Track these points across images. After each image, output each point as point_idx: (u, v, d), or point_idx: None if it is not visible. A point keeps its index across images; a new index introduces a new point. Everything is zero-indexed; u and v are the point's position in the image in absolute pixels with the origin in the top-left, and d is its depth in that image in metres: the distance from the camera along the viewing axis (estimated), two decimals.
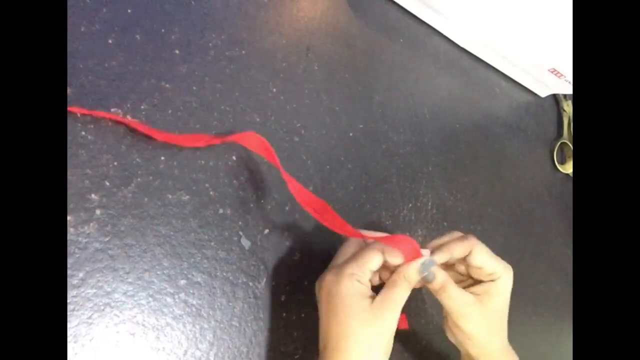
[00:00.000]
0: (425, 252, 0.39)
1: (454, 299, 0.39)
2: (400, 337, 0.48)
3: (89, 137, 0.35)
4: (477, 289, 0.40)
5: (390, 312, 0.36)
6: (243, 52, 0.45)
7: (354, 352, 0.34)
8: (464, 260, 0.40)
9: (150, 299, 0.35)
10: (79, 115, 0.35)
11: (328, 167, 0.48)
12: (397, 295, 0.37)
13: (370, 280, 0.38)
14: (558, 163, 0.77)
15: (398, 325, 0.38)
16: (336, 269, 0.37)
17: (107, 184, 0.35)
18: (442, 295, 0.39)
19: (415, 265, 0.38)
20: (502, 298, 0.40)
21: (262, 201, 0.42)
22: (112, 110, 0.37)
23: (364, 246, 0.39)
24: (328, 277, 0.37)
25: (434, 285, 0.39)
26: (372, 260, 0.37)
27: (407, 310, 0.48)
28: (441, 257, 0.39)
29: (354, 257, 0.38)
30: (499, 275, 0.40)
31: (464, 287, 0.40)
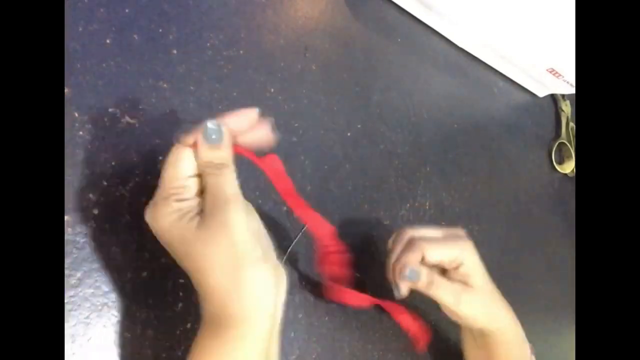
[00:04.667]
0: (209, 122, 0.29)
1: (445, 292, 0.39)
2: (401, 336, 0.48)
3: (87, 136, 0.35)
4: (453, 276, 0.40)
5: (223, 214, 0.27)
6: (241, 52, 0.45)
7: (216, 282, 0.27)
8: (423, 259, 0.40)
9: (148, 298, 0.35)
10: (76, 115, 0.35)
11: (326, 167, 0.48)
12: (215, 189, 0.29)
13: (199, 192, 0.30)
14: (556, 163, 0.77)
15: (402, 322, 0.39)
16: (153, 198, 0.30)
17: (105, 183, 0.35)
18: (433, 291, 0.39)
19: (200, 139, 0.29)
20: (478, 274, 0.40)
21: (260, 201, 0.42)
22: (110, 110, 0.37)
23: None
24: (147, 214, 0.29)
25: (421, 284, 0.38)
26: (180, 164, 0.29)
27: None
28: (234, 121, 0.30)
29: (162, 173, 0.30)
30: (460, 260, 0.40)
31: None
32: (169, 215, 0.28)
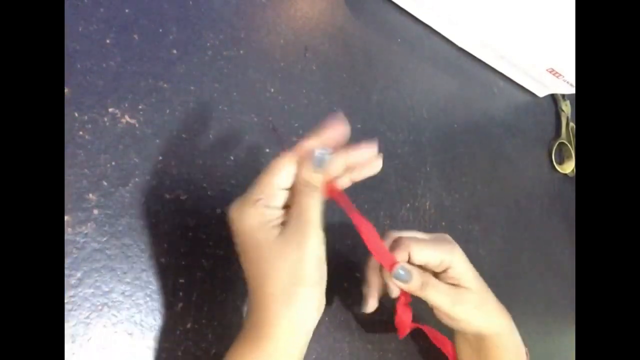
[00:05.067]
0: (322, 148, 0.31)
1: (440, 293, 0.37)
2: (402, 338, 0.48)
3: (87, 137, 0.35)
4: (443, 279, 0.39)
5: (302, 233, 0.29)
6: (241, 52, 0.45)
7: (273, 291, 0.29)
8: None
9: (148, 298, 0.35)
10: (76, 115, 0.35)
11: None
12: (304, 208, 0.30)
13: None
14: (556, 163, 0.77)
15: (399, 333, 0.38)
16: (242, 196, 0.31)
17: (105, 183, 0.35)
18: (427, 292, 0.37)
19: (307, 162, 0.31)
20: (470, 276, 0.39)
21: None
22: (110, 110, 0.37)
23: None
24: (232, 210, 0.31)
25: (413, 286, 0.36)
26: (279, 175, 0.31)
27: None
28: (340, 157, 0.32)
29: (259, 177, 0.31)
30: (448, 263, 0.38)
31: None
32: (253, 217, 0.30)
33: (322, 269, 0.30)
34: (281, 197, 0.31)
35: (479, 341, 0.41)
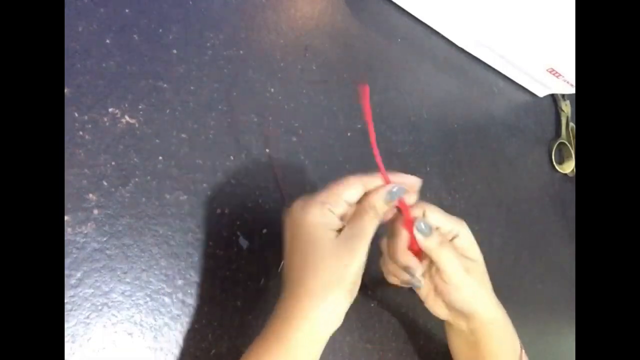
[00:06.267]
0: (395, 183, 0.35)
1: (453, 257, 0.37)
2: (401, 336, 0.48)
3: (87, 137, 0.35)
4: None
5: (356, 243, 0.33)
6: (241, 52, 0.45)
7: (314, 285, 0.31)
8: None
9: (147, 298, 0.35)
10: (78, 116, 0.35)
11: (326, 167, 0.48)
12: (364, 225, 0.33)
13: (345, 216, 0.35)
14: (556, 163, 0.77)
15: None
16: (307, 196, 0.34)
17: (105, 183, 0.35)
18: (442, 251, 0.37)
19: (382, 192, 0.35)
20: (476, 249, 0.39)
21: (260, 201, 0.42)
22: (110, 110, 0.37)
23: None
24: (296, 205, 0.34)
25: (432, 241, 0.37)
26: (349, 190, 0.34)
27: (406, 310, 0.48)
28: (412, 194, 0.36)
29: (329, 185, 0.35)
30: (456, 232, 0.38)
31: None
32: (316, 216, 0.33)
33: (358, 280, 0.33)
34: (343, 208, 0.34)
35: (474, 333, 0.40)
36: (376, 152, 0.35)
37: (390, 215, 0.38)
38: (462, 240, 0.39)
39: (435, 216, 0.38)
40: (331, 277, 0.31)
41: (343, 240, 0.33)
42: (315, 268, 0.32)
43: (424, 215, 0.38)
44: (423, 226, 0.37)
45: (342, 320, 0.33)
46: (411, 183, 0.36)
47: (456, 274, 0.37)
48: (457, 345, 0.43)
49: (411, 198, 0.37)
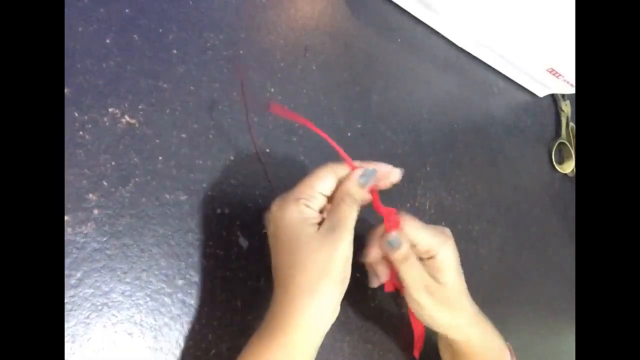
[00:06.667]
0: (371, 169, 0.36)
1: (415, 272, 0.37)
2: (401, 337, 0.48)
3: (87, 137, 0.35)
4: (425, 266, 0.38)
5: (338, 234, 0.32)
6: (241, 52, 0.45)
7: (303, 282, 0.31)
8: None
9: (147, 298, 0.35)
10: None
11: None
12: (342, 214, 0.33)
13: (324, 210, 0.35)
14: (556, 163, 0.77)
15: (385, 287, 0.38)
16: (284, 195, 0.34)
17: (105, 183, 0.35)
18: (404, 266, 0.37)
19: (355, 176, 0.35)
20: (451, 272, 0.38)
21: (260, 201, 0.42)
22: (110, 110, 0.37)
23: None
24: (274, 205, 0.34)
25: (398, 254, 0.37)
26: (322, 181, 0.34)
27: (406, 310, 0.48)
28: (385, 180, 0.37)
29: (302, 180, 0.35)
30: (435, 251, 0.38)
31: None
32: (294, 213, 0.33)
33: (347, 270, 0.33)
34: (320, 201, 0.34)
35: (453, 345, 0.41)
36: (333, 143, 0.35)
37: (368, 200, 0.37)
38: (437, 261, 0.38)
39: (413, 230, 0.38)
40: (318, 271, 0.31)
41: (324, 233, 0.33)
42: (302, 265, 0.32)
43: (402, 228, 0.37)
44: (392, 239, 0.37)
45: (337, 313, 0.33)
46: (385, 170, 0.36)
47: (416, 292, 0.37)
48: (443, 352, 0.44)
49: (385, 183, 0.37)
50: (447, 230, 0.41)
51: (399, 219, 0.37)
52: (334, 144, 0.35)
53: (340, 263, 0.32)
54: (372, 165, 0.36)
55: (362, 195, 0.35)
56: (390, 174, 0.37)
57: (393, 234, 0.37)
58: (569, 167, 0.78)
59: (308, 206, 0.33)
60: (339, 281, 0.32)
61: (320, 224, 0.34)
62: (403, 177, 0.55)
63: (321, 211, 0.35)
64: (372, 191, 0.36)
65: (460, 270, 0.40)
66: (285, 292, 0.32)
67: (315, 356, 0.33)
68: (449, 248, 0.38)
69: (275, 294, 0.33)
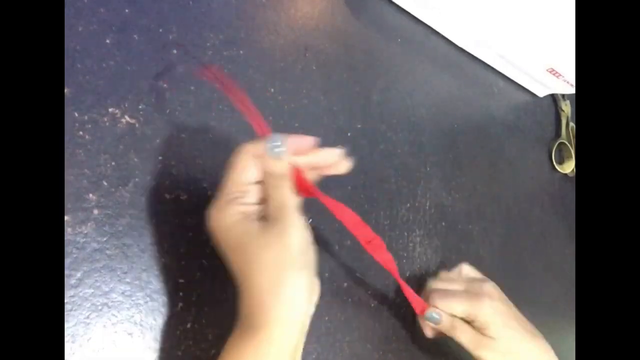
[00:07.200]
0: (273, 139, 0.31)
1: (466, 336, 0.42)
2: (401, 336, 0.48)
3: (87, 137, 0.35)
4: (473, 325, 0.43)
5: (281, 219, 0.30)
6: (241, 52, 0.45)
7: (261, 281, 0.29)
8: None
9: (148, 298, 0.35)
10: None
11: None
12: (278, 200, 0.31)
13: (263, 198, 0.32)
14: (556, 163, 0.77)
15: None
16: (214, 201, 0.31)
17: (105, 183, 0.35)
18: (456, 334, 0.42)
19: (265, 151, 0.31)
20: (495, 327, 0.42)
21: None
22: (110, 110, 0.37)
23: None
24: (209, 214, 0.31)
25: (443, 327, 0.42)
26: (245, 172, 0.31)
27: (406, 310, 0.48)
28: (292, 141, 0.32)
29: (225, 176, 0.32)
30: (473, 316, 0.42)
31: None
32: (231, 216, 0.30)
33: (308, 254, 0.30)
34: (254, 192, 0.32)
35: None
36: (249, 108, 0.32)
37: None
38: (479, 321, 0.43)
39: (445, 306, 0.43)
40: (275, 267, 0.29)
41: (268, 226, 0.30)
42: (255, 265, 0.29)
43: (435, 305, 0.43)
44: (432, 316, 0.42)
45: (314, 299, 0.31)
46: (302, 141, 0.33)
47: (474, 351, 0.42)
48: None
49: (330, 170, 0.34)
50: (486, 286, 0.45)
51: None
52: (251, 109, 0.32)
53: (296, 251, 0.29)
54: (290, 137, 0.32)
55: (284, 167, 0.31)
56: (329, 159, 0.34)
57: (430, 311, 0.43)
58: (569, 167, 0.78)
59: (243, 203, 0.31)
60: (301, 268, 0.29)
61: (264, 216, 0.31)
62: (403, 177, 0.55)
63: (261, 202, 0.32)
64: (294, 170, 0.32)
65: (506, 317, 0.43)
66: (248, 295, 0.30)
67: (300, 350, 0.31)
68: (484, 307, 0.43)
69: (241, 297, 0.31)
